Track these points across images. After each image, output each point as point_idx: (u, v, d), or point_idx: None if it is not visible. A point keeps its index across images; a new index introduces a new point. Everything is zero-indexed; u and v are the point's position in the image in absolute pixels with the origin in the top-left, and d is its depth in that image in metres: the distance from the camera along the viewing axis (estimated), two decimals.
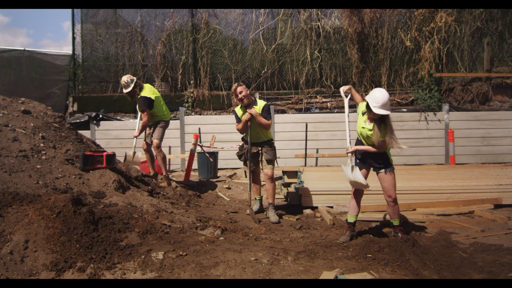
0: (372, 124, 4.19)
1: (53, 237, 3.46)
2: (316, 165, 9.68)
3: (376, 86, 10.39)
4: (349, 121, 4.47)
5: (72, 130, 5.96)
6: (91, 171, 5.00)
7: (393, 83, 10.43)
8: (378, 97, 4.04)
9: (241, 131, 5.57)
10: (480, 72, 10.33)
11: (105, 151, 5.86)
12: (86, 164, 4.97)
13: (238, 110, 5.59)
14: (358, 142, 4.50)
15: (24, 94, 7.99)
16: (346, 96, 4.54)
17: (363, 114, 4.31)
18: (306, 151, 9.50)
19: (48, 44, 55.30)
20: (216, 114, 10.30)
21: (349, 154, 4.35)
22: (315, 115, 10.07)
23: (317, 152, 9.74)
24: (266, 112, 5.42)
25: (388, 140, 4.14)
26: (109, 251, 3.55)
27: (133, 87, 6.32)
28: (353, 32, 10.09)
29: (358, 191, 4.53)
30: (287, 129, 9.83)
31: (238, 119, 5.53)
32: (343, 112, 10.39)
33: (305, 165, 9.31)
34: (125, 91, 6.39)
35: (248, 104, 5.35)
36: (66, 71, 10.53)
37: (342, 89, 4.53)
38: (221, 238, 4.31)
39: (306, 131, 9.59)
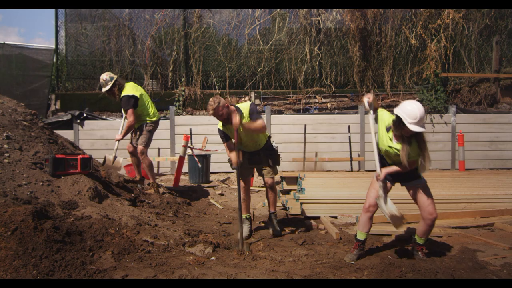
0: (399, 143, 3.57)
1: (4, 261, 2.81)
2: (315, 170, 9.07)
3: (378, 86, 9.83)
4: (376, 142, 3.79)
5: (46, 130, 5.28)
6: (62, 177, 4.32)
7: (396, 83, 9.87)
8: (414, 112, 3.35)
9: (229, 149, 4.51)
10: (488, 72, 9.81)
11: (84, 153, 5.20)
12: (57, 168, 4.30)
13: (221, 125, 4.47)
14: (380, 157, 3.87)
15: (7, 91, 7.37)
16: (371, 108, 3.70)
17: (387, 130, 3.66)
18: (304, 154, 8.88)
19: (40, 43, 54.23)
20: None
21: (380, 183, 3.67)
22: (314, 116, 9.48)
23: (316, 155, 9.14)
24: (255, 114, 4.39)
25: (421, 159, 3.53)
26: (75, 277, 2.90)
27: (112, 86, 5.73)
28: (355, 28, 9.52)
29: (371, 205, 3.90)
30: (285, 130, 9.22)
31: (226, 137, 4.47)
32: (344, 113, 9.90)
33: (304, 170, 8.69)
34: (103, 89, 5.88)
35: (228, 119, 4.28)
36: (48, 67, 9.82)
37: (367, 100, 3.64)
38: (212, 258, 3.68)
39: (305, 133, 8.98)
